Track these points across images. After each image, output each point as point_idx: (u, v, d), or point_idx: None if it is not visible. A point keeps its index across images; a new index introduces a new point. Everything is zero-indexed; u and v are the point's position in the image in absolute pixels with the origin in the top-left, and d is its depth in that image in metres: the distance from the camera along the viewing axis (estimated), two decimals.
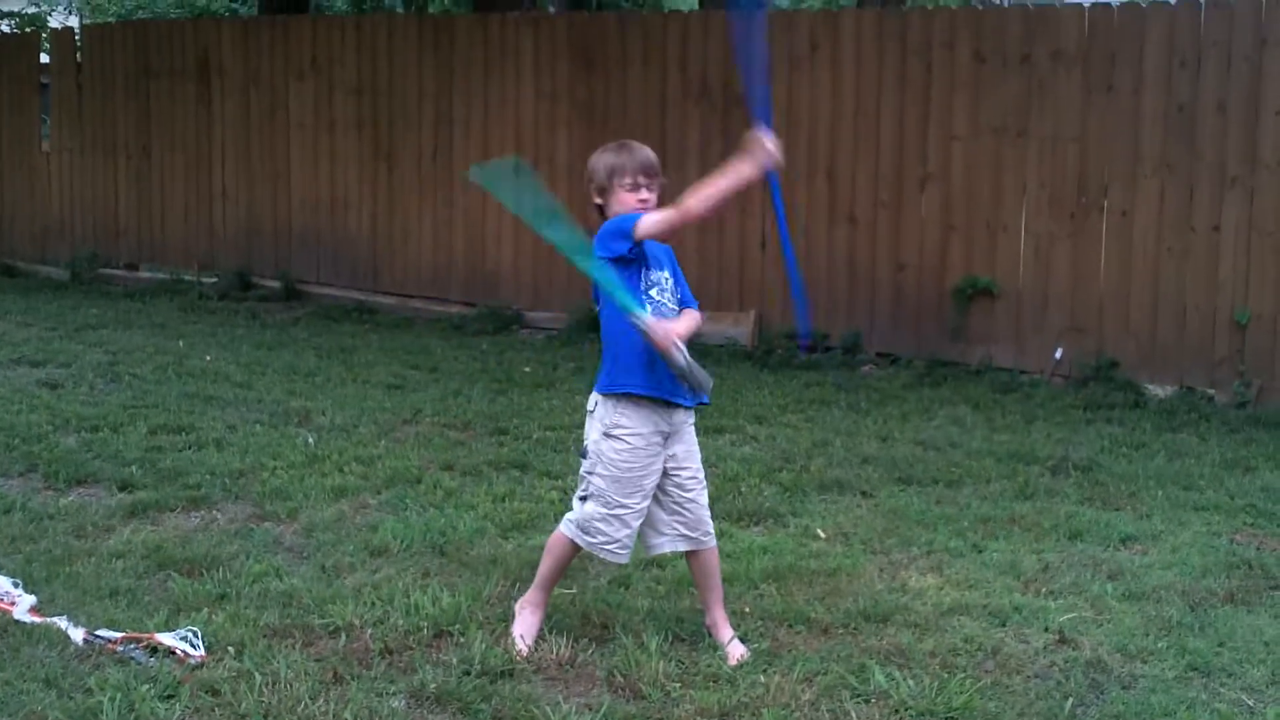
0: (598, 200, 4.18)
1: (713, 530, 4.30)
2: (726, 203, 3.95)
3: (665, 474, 4.18)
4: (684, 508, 4.21)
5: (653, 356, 4.02)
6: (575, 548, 4.23)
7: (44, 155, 13.96)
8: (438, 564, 4.92)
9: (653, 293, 4.12)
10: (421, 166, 11.54)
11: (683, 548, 4.28)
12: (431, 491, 5.89)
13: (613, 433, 4.11)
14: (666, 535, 4.25)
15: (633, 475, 4.11)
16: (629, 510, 4.12)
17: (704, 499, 4.27)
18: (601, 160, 4.16)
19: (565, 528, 4.24)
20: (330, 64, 11.97)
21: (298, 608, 4.40)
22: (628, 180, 4.10)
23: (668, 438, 4.16)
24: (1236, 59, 8.40)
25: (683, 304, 4.23)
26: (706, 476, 5.69)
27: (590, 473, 4.16)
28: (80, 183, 13.59)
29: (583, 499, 4.18)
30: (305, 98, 12.11)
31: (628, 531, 4.15)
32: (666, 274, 4.19)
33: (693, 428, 4.27)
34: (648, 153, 4.17)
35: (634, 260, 4.07)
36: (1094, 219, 8.90)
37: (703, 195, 3.89)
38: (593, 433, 4.17)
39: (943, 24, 9.45)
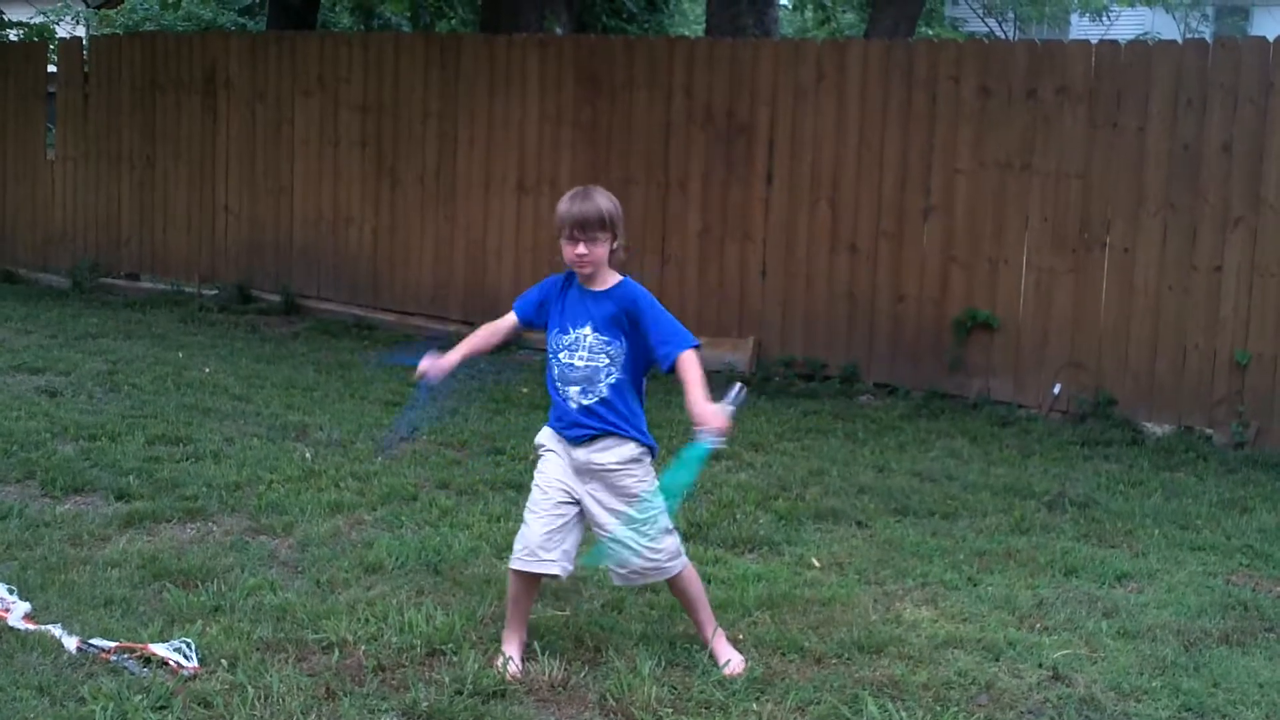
0: None
1: (645, 569, 4.20)
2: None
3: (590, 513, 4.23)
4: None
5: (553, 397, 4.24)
6: (519, 576, 4.23)
7: (48, 164, 13.98)
8: (432, 582, 4.91)
9: (561, 355, 4.20)
10: (424, 185, 11.56)
11: (616, 581, 4.34)
12: (427, 510, 5.89)
13: (536, 451, 4.34)
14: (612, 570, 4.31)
15: (539, 479, 4.23)
16: (533, 513, 4.19)
17: (626, 545, 4.15)
18: (559, 205, 4.19)
19: None
20: (336, 81, 12.01)
21: (292, 622, 4.40)
22: (564, 231, 4.14)
23: (579, 471, 4.20)
24: (1242, 101, 8.42)
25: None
26: (702, 502, 5.63)
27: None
28: (84, 192, 13.62)
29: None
30: (310, 114, 12.15)
31: (529, 533, 4.17)
32: (586, 330, 4.19)
33: (619, 476, 4.17)
34: (595, 206, 4.10)
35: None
36: (1096, 255, 8.91)
37: None
38: None
39: (949, 57, 9.48)
